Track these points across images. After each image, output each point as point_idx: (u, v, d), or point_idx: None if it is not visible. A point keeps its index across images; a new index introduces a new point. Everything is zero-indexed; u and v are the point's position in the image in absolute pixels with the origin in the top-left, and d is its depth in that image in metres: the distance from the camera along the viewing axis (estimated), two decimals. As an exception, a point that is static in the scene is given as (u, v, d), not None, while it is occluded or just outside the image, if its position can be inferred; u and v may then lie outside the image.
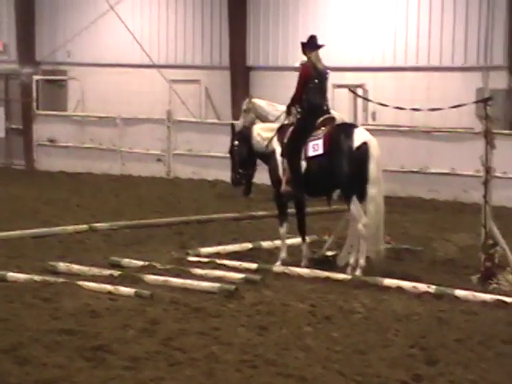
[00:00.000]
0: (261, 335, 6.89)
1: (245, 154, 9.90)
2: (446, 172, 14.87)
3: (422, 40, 19.32)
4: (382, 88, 18.35)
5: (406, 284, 8.47)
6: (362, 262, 8.98)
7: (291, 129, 9.46)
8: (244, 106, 15.32)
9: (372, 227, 8.94)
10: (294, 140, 9.33)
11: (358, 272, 8.92)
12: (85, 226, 11.64)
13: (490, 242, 8.76)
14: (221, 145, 17.09)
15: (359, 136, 9.01)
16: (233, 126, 10.11)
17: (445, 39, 19.05)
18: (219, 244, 10.56)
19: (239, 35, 21.49)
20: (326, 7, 20.62)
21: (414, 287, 8.37)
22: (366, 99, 9.91)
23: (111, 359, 6.22)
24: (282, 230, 9.60)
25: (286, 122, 9.70)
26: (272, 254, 10.19)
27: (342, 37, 18.76)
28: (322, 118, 9.32)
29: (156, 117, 18.67)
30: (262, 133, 9.79)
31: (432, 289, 8.27)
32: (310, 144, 9.18)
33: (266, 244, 10.55)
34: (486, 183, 8.87)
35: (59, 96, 23.51)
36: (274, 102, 15.71)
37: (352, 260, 9.10)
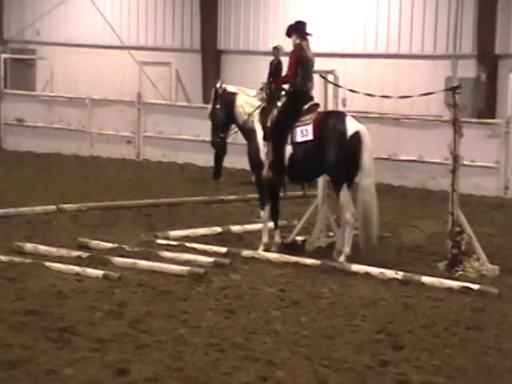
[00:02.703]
0: (229, 319, 6.90)
1: (225, 119, 9.87)
2: (414, 159, 14.98)
3: (392, 28, 19.42)
4: (353, 75, 18.43)
5: (374, 270, 8.53)
6: (347, 249, 8.99)
7: (275, 112, 9.39)
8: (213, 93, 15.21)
9: (365, 216, 8.92)
10: (280, 125, 9.25)
11: (341, 259, 8.93)
12: (53, 207, 11.53)
13: (457, 229, 8.84)
14: (191, 128, 17.08)
15: (352, 124, 8.99)
16: (216, 89, 9.84)
17: (415, 28, 19.17)
18: (188, 227, 10.53)
19: (210, 18, 21.41)
20: (297, -8, 20.62)
21: (382, 273, 8.44)
22: (336, 85, 9.89)
23: (77, 341, 6.20)
24: (264, 213, 9.51)
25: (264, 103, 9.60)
26: (241, 238, 10.20)
27: (314, 23, 18.66)
28: (307, 105, 9.27)
29: (126, 99, 18.53)
30: (246, 106, 9.68)
31: (399, 275, 8.34)
32: (298, 129, 9.11)
33: (235, 228, 10.56)
34: (453, 171, 8.94)
35: (28, 75, 23.25)
36: (244, 86, 15.64)
37: (346, 249, 9.00)
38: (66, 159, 17.76)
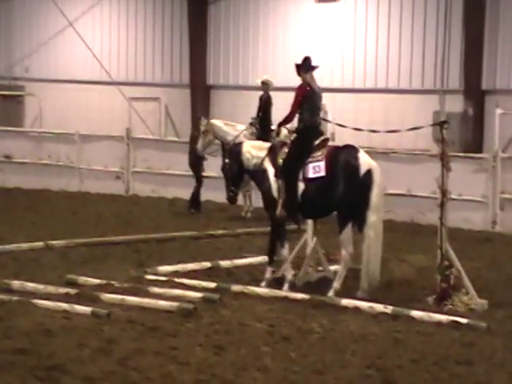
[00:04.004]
0: (218, 355, 6.86)
1: (236, 171, 9.80)
2: (402, 193, 15.02)
3: (380, 63, 19.60)
4: (341, 109, 18.54)
5: (363, 304, 8.53)
6: (337, 285, 8.97)
7: (286, 149, 9.37)
8: (202, 128, 15.37)
9: (371, 253, 8.92)
10: (291, 161, 9.23)
11: (331, 293, 8.91)
12: (40, 244, 11.48)
13: (446, 263, 8.86)
14: (180, 163, 17.09)
15: (364, 161, 8.99)
16: (222, 144, 9.86)
17: (402, 63, 19.35)
18: (178, 263, 10.51)
19: (200, 54, 21.56)
20: (285, 29, 20.82)
21: (371, 307, 8.43)
22: (325, 120, 9.95)
23: (65, 379, 6.15)
24: (285, 251, 9.45)
25: (277, 140, 9.63)
26: (231, 273, 10.18)
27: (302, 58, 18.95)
28: (319, 140, 9.27)
29: (115, 134, 18.57)
30: (252, 150, 9.65)
31: (388, 309, 8.34)
32: (310, 166, 9.09)
33: (224, 263, 10.53)
34: (441, 205, 8.98)
35: (16, 112, 23.28)
36: (234, 121, 15.78)
37: (336, 284, 8.98)
38: (55, 195, 17.71)
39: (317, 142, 9.25)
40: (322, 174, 9.04)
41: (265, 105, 15.02)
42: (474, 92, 18.34)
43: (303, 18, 20.59)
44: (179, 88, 21.97)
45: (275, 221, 9.44)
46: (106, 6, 22.95)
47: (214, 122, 15.64)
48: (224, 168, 10.09)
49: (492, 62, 18.25)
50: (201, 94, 21.50)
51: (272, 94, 15.10)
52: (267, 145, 9.82)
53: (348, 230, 8.98)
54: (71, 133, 18.67)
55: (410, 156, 15.46)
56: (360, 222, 9.00)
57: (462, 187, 13.70)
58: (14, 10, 24.07)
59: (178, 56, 22.15)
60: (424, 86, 19.06)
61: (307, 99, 9.28)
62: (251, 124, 15.13)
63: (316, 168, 9.08)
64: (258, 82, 15.36)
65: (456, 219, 12.93)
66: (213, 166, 15.83)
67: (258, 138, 14.47)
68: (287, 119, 9.51)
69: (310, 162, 9.13)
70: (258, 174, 9.58)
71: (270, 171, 9.44)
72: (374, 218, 8.94)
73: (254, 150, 9.66)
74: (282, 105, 16.18)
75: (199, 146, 15.30)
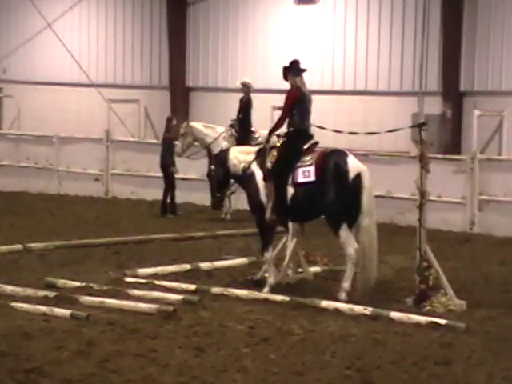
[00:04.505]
0: (198, 357, 6.86)
1: (221, 178, 9.76)
2: (382, 195, 15.06)
3: (359, 65, 19.70)
4: (321, 111, 18.57)
5: (343, 305, 8.56)
6: (346, 285, 8.91)
7: (275, 153, 9.33)
8: (181, 130, 15.37)
9: (366, 257, 8.90)
10: (281, 165, 9.18)
11: (342, 296, 8.85)
12: (19, 246, 11.41)
13: (425, 264, 8.90)
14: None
15: (353, 166, 8.98)
16: (209, 149, 9.73)
17: (381, 65, 19.46)
18: (157, 265, 10.48)
19: (179, 55, 21.55)
20: (265, 30, 20.87)
21: (351, 309, 8.46)
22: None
23: (44, 382, 6.12)
24: (268, 254, 9.40)
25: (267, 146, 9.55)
26: (210, 274, 10.17)
27: (281, 60, 18.94)
28: (308, 144, 9.25)
29: (94, 136, 18.50)
30: (239, 155, 9.62)
31: (368, 310, 8.37)
32: (300, 170, 9.06)
33: (204, 265, 10.53)
34: (420, 206, 9.03)
35: (-6, 113, 23.13)
36: (213, 123, 15.78)
37: (346, 284, 8.90)
38: (33, 197, 17.61)
39: (306, 146, 9.25)
40: (312, 179, 9.02)
41: (245, 107, 15.03)
42: (452, 94, 18.48)
43: (282, 20, 20.64)
44: (158, 90, 21.93)
45: (262, 224, 9.41)
46: (84, 7, 22.86)
47: (194, 124, 15.63)
48: (209, 174, 10.04)
49: (470, 64, 18.40)
50: (180, 96, 21.48)
51: (252, 95, 15.13)
52: (254, 149, 9.80)
53: (344, 229, 8.92)
54: (50, 135, 18.58)
55: (389, 158, 15.52)
56: (349, 226, 8.99)
57: (440, 188, 13.81)
58: (-8, 11, 23.92)
59: (157, 58, 22.11)
60: (403, 88, 19.17)
61: (298, 103, 9.27)
62: (231, 126, 15.14)
63: (305, 173, 9.06)
64: (238, 85, 15.37)
65: (435, 220, 13.01)
66: (193, 168, 15.83)
67: (238, 140, 14.50)
68: (278, 125, 9.46)
69: (300, 167, 9.10)
70: (246, 178, 9.54)
71: (258, 175, 9.41)
72: (366, 221, 8.93)
73: (241, 155, 9.62)
74: (261, 107, 16.28)
75: (178, 148, 15.29)
